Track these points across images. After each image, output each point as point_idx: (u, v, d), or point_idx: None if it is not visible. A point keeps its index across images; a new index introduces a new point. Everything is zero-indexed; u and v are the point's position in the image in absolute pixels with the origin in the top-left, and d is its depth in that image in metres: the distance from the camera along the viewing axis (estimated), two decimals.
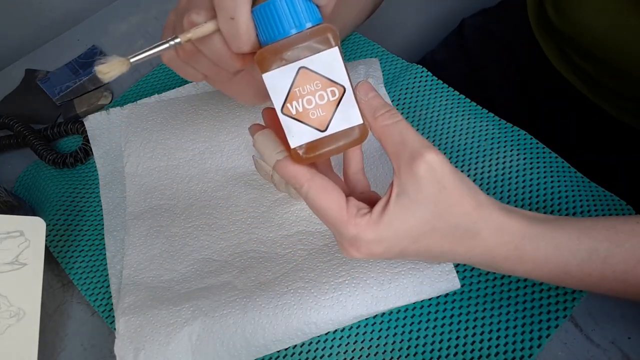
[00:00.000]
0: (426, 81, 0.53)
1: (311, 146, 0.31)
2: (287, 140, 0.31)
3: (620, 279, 0.33)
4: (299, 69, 0.30)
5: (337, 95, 0.30)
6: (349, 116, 0.31)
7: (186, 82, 0.56)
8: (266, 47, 0.31)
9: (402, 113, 0.51)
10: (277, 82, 0.30)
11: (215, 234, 0.45)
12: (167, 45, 0.31)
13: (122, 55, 0.30)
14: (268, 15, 0.30)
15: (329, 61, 0.30)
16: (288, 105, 0.31)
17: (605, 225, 0.34)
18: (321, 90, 0.30)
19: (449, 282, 0.39)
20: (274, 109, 0.31)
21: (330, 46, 0.30)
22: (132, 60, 0.31)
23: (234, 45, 0.31)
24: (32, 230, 0.41)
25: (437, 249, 0.33)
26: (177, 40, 0.31)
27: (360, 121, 0.31)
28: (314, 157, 0.31)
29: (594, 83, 0.54)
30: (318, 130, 0.31)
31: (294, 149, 0.31)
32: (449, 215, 0.32)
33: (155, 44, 0.31)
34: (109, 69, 0.30)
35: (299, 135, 0.31)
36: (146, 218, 0.46)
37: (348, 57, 0.56)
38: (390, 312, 0.40)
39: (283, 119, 0.31)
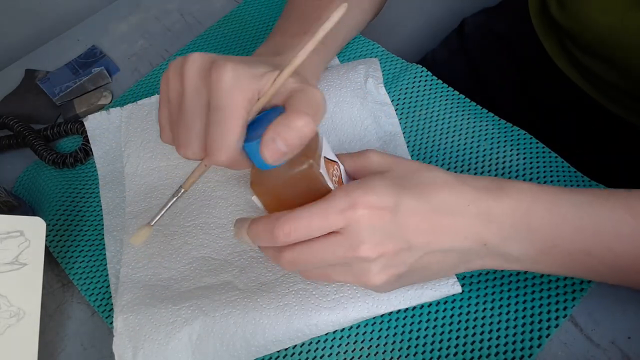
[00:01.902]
0: (426, 81, 0.53)
1: None
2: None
3: (613, 232, 0.34)
4: None
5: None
6: None
7: None
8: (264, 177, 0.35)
9: (402, 113, 0.51)
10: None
11: (215, 232, 0.45)
12: (176, 199, 0.38)
13: (145, 223, 0.38)
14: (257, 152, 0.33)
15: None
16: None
17: (584, 189, 0.36)
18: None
19: (451, 286, 0.39)
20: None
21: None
22: (153, 224, 0.38)
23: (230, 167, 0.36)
24: (32, 230, 0.41)
25: (442, 195, 0.34)
26: (182, 191, 0.38)
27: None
28: None
29: (598, 81, 0.54)
30: None
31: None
32: (421, 169, 0.36)
33: (167, 202, 0.38)
34: (140, 238, 0.38)
35: None
36: (145, 217, 0.46)
37: (348, 57, 0.56)
38: (390, 312, 0.40)
39: None
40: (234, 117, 0.33)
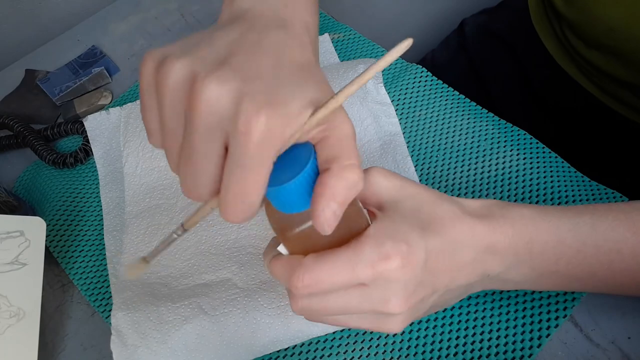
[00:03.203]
0: (426, 81, 0.53)
1: None
2: None
3: (614, 248, 0.33)
4: None
5: None
6: None
7: None
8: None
9: (402, 113, 0.51)
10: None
11: (213, 229, 0.45)
12: (177, 237, 0.31)
13: (142, 257, 0.32)
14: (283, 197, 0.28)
15: None
16: None
17: (584, 205, 0.36)
18: None
19: None
20: None
21: None
22: (150, 260, 0.32)
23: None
24: (32, 230, 0.41)
25: (456, 232, 0.32)
26: (185, 230, 0.31)
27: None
28: None
29: (601, 77, 0.53)
30: None
31: None
32: (428, 202, 0.33)
33: (167, 239, 0.31)
34: (136, 272, 0.32)
35: None
36: (145, 217, 0.46)
37: (348, 57, 0.56)
38: None
39: None
40: (261, 173, 0.26)
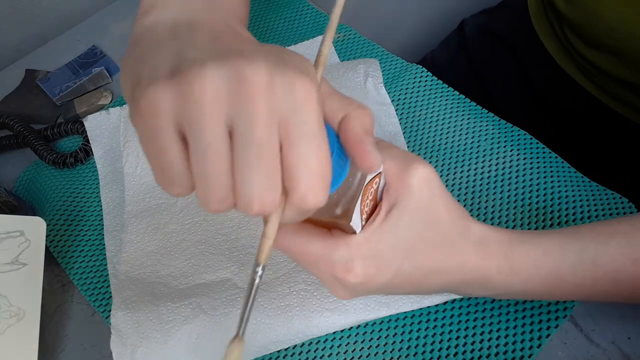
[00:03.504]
0: (426, 81, 0.53)
1: None
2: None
3: (611, 278, 0.33)
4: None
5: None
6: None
7: None
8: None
9: (402, 113, 0.51)
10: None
11: (213, 229, 0.45)
12: (258, 282, 0.26)
13: (234, 336, 0.26)
14: None
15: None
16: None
17: (588, 228, 0.35)
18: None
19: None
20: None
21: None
22: (243, 335, 0.26)
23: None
24: (32, 230, 0.41)
25: (431, 265, 0.31)
26: (262, 268, 0.26)
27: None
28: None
29: (601, 77, 0.53)
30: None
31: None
32: (439, 224, 0.31)
33: (248, 300, 0.26)
34: (234, 355, 0.26)
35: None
36: (144, 216, 0.46)
37: (348, 57, 0.56)
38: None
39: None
40: (326, 139, 0.24)
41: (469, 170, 0.47)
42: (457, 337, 0.39)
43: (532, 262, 0.33)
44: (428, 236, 0.31)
